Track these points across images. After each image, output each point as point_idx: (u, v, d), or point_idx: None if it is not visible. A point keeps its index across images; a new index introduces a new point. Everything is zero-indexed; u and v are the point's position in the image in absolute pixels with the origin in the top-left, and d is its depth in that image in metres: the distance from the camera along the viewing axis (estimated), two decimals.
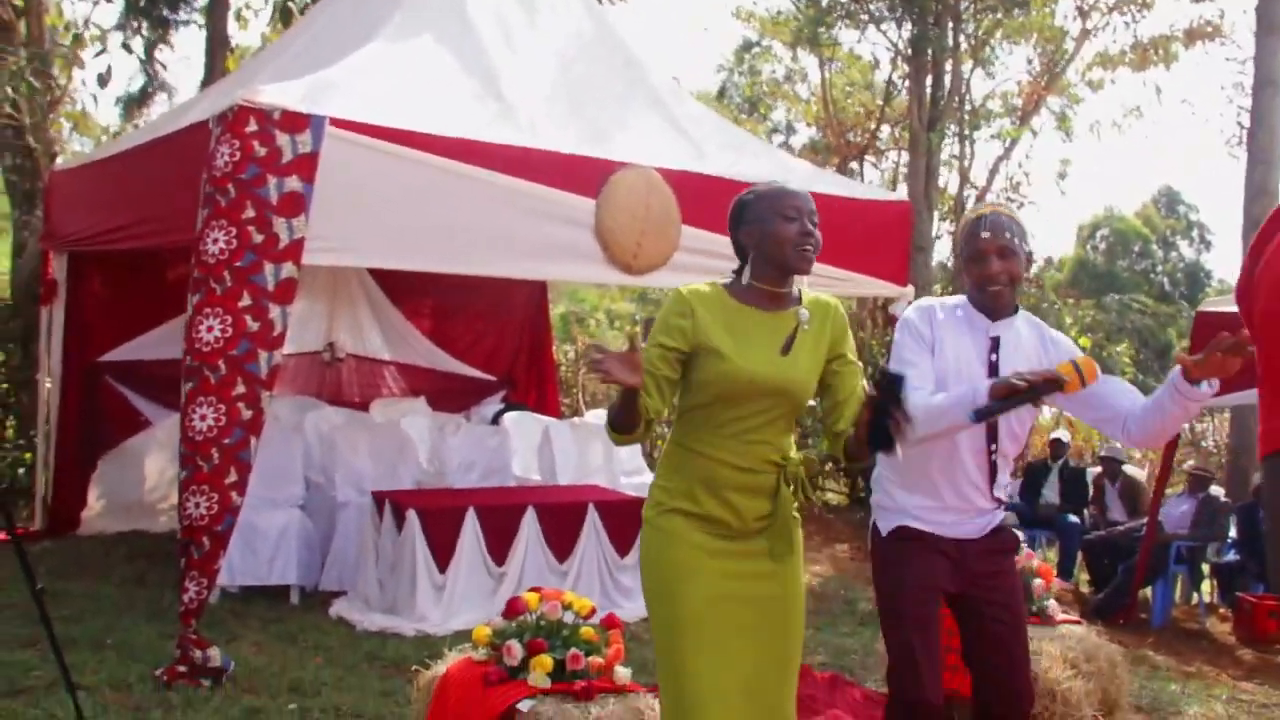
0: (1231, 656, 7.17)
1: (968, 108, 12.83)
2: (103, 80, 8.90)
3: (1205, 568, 8.66)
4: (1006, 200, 13.27)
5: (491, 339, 9.74)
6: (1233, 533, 8.61)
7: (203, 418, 4.92)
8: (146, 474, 8.31)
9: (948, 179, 12.78)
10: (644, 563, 3.04)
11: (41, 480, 7.84)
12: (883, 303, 9.33)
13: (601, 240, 5.98)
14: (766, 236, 2.96)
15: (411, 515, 6.21)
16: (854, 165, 13.56)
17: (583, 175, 5.88)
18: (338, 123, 5.15)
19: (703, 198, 6.21)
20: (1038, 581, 4.94)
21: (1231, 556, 8.51)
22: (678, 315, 2.94)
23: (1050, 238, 59.72)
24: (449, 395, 9.45)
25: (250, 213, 4.93)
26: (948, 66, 11.75)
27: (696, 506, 2.95)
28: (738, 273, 3.05)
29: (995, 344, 3.27)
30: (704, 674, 2.87)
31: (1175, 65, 14.25)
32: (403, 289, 9.21)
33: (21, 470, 8.62)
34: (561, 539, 6.50)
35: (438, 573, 6.24)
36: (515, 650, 3.74)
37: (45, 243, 7.75)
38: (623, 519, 6.59)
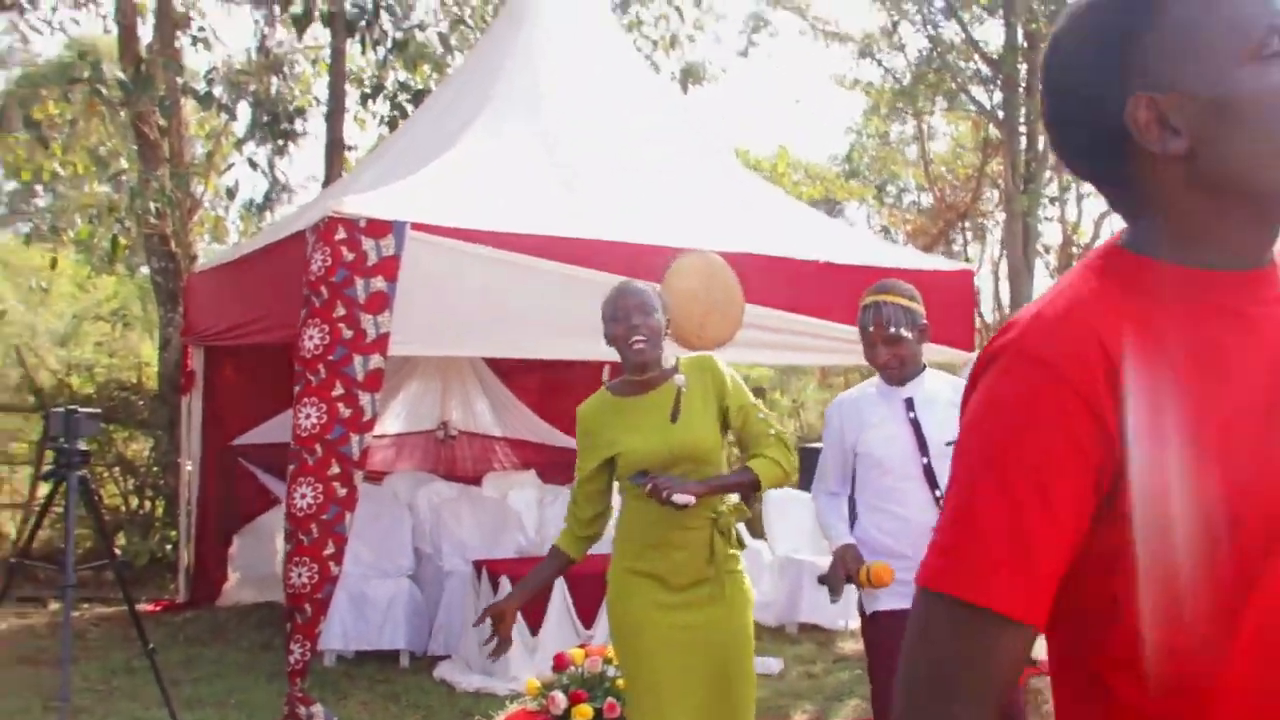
0: None
1: None
2: (231, 193, 9.85)
3: None
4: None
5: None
6: None
7: (303, 496, 5.49)
8: (278, 548, 8.93)
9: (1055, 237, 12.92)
10: (608, 614, 3.51)
11: (185, 555, 8.57)
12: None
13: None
14: (608, 338, 3.43)
15: (504, 581, 6.68)
16: (956, 228, 13.78)
17: (649, 262, 6.33)
18: (419, 226, 5.71)
19: (765, 276, 6.65)
20: None
21: None
22: (581, 436, 3.50)
23: None
24: (559, 467, 9.92)
25: (341, 311, 5.51)
26: (1041, 127, 11.93)
27: (646, 564, 3.38)
28: None
29: (910, 404, 3.65)
30: (663, 697, 3.31)
31: None
32: (511, 368, 9.77)
33: (169, 546, 9.40)
34: None
35: (529, 635, 6.68)
36: (559, 700, 4.18)
37: (185, 337, 8.56)
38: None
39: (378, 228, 5.62)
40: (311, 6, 8.87)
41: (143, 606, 8.44)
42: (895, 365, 3.62)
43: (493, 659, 3.22)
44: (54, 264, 10.72)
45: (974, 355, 7.31)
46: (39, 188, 10.52)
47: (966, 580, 1.13)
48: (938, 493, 3.58)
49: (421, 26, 10.29)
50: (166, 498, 9.65)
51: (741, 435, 3.47)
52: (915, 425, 3.60)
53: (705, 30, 12.89)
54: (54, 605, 8.35)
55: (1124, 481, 1.10)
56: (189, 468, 8.50)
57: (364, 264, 5.57)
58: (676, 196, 7.08)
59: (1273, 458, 1.11)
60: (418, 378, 9.48)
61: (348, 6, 9.15)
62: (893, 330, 3.61)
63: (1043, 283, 13.09)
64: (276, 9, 9.10)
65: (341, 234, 5.56)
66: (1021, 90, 11.90)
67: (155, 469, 9.90)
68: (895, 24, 12.72)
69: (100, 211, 8.79)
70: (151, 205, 8.39)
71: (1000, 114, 12.09)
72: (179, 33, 9.49)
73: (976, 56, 12.22)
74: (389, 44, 9.85)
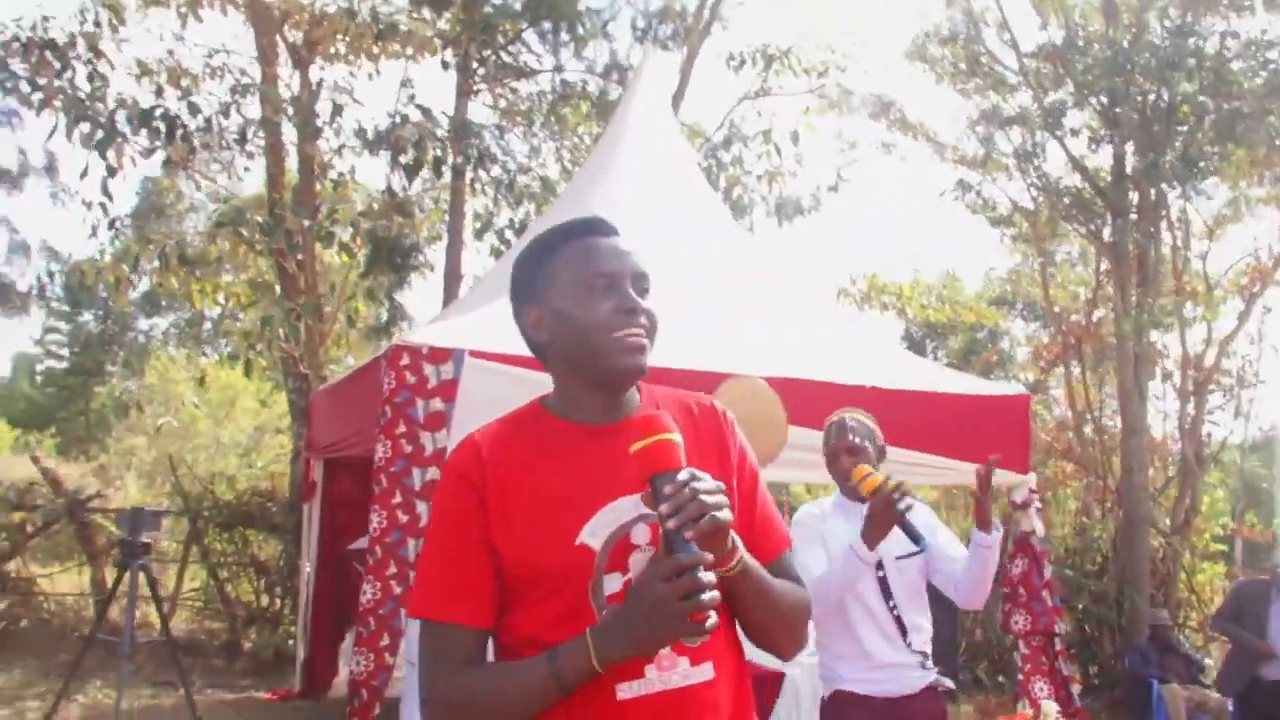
0: None
1: (1193, 287, 12.99)
2: (351, 321, 10.87)
3: None
4: (1239, 376, 13.12)
5: None
6: None
7: (364, 592, 6.15)
8: None
9: (1167, 362, 12.86)
10: None
11: (301, 649, 9.35)
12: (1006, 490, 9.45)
13: None
14: None
15: None
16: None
17: (697, 386, 6.84)
18: (476, 354, 6.40)
19: (809, 400, 7.07)
20: None
21: None
22: None
23: None
24: None
25: (402, 428, 6.21)
26: (1152, 255, 12.03)
27: None
28: None
29: None
30: None
31: None
32: None
33: (291, 641, 10.23)
34: None
35: None
36: None
37: (308, 450, 9.45)
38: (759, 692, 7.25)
39: (438, 355, 6.33)
40: (422, 156, 9.89)
41: (261, 695, 9.29)
42: None
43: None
44: (202, 381, 11.92)
45: (1030, 478, 7.55)
46: (208, 313, 11.81)
47: (426, 607, 1.94)
48: (891, 603, 3.94)
49: (525, 170, 11.25)
50: (293, 597, 10.51)
51: None
52: None
53: (803, 165, 13.54)
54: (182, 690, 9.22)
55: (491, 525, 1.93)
56: (308, 569, 9.30)
57: (425, 387, 6.27)
58: (732, 325, 7.58)
59: (549, 536, 1.92)
60: None
61: (454, 156, 10.15)
62: (855, 440, 3.99)
63: (1164, 405, 13.06)
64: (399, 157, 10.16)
65: (406, 360, 6.28)
66: (1133, 216, 12.07)
67: (284, 569, 10.81)
68: (987, 155, 13.06)
69: (238, 337, 9.89)
70: (281, 332, 9.39)
71: (1109, 239, 12.24)
72: (318, 179, 10.68)
73: (1085, 183, 12.45)
74: (495, 187, 10.84)
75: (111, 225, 10.19)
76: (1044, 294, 14.19)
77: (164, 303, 17.26)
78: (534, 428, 2.04)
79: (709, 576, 1.76)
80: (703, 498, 1.80)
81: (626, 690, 1.87)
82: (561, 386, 2.10)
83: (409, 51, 10.88)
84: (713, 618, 1.78)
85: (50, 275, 12.06)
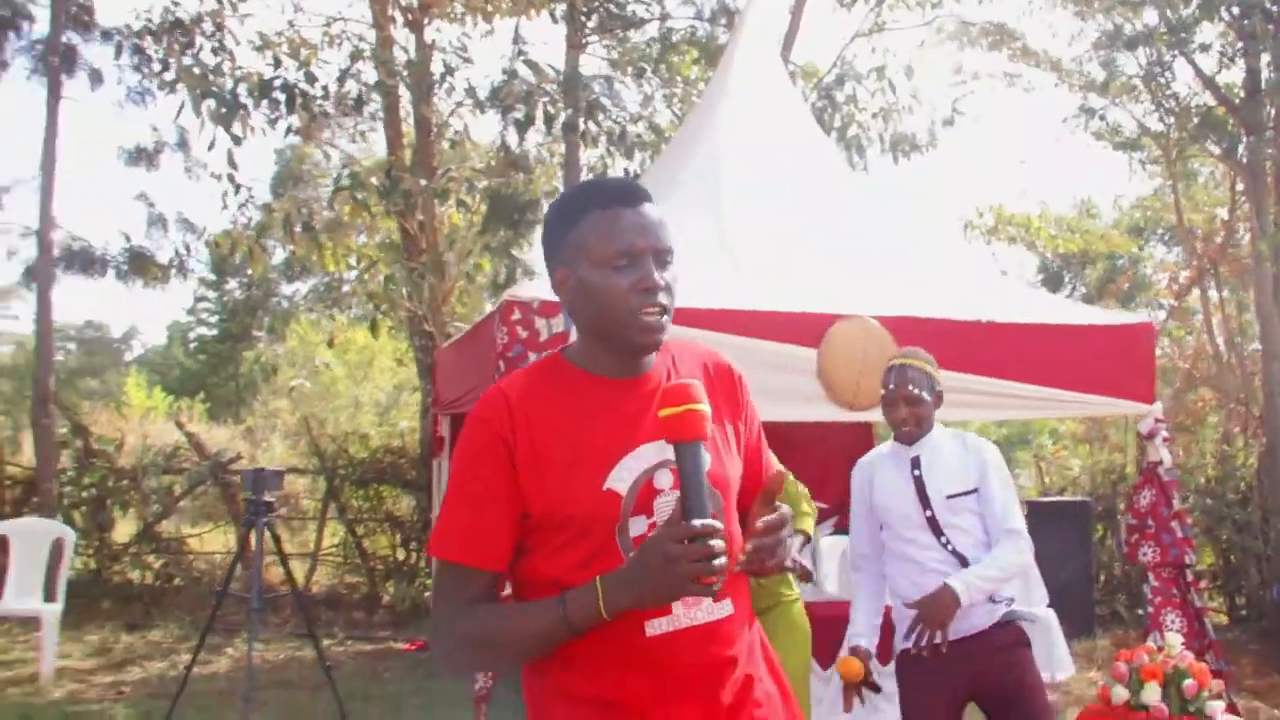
0: None
1: None
2: (470, 277, 11.08)
3: None
4: None
5: (817, 469, 10.54)
6: None
7: None
8: None
9: None
10: None
11: None
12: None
13: (823, 383, 6.93)
14: None
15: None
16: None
17: (805, 329, 6.85)
18: None
19: (922, 338, 6.96)
20: (1189, 682, 5.20)
21: None
22: None
23: None
24: None
25: None
26: None
27: None
28: None
29: (916, 461, 3.98)
30: None
31: None
32: None
33: (427, 594, 10.57)
34: None
35: None
36: None
37: (435, 407, 9.69)
38: (827, 632, 7.19)
39: (549, 308, 6.41)
40: (533, 112, 9.99)
41: (399, 645, 9.64)
42: (912, 423, 4.00)
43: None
44: (331, 343, 12.28)
45: (1155, 407, 7.33)
46: (345, 276, 12.22)
47: (447, 548, 2.05)
48: (943, 539, 3.94)
49: (634, 119, 11.26)
50: (427, 550, 10.83)
51: None
52: (918, 482, 3.98)
53: (919, 100, 13.25)
54: (325, 640, 9.61)
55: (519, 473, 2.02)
56: None
57: (536, 340, 6.37)
58: (843, 266, 7.51)
59: (577, 482, 2.02)
60: None
61: (565, 110, 10.21)
62: (913, 391, 3.99)
63: None
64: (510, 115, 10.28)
65: (517, 315, 6.39)
66: (1269, 132, 11.55)
67: (418, 524, 11.15)
68: (1110, 78, 12.58)
69: (364, 298, 10.18)
70: (404, 291, 9.63)
71: (1244, 158, 11.73)
72: (435, 138, 10.87)
73: (1216, 101, 11.94)
74: (606, 139, 10.89)
75: (238, 192, 10.54)
76: (1178, 217, 13.68)
77: (298, 268, 17.79)
78: (558, 378, 2.13)
79: (720, 544, 1.85)
80: (781, 548, 1.99)
81: (655, 626, 1.99)
82: (584, 341, 2.17)
83: (520, 7, 10.94)
84: (718, 582, 1.88)
85: (187, 248, 12.46)
